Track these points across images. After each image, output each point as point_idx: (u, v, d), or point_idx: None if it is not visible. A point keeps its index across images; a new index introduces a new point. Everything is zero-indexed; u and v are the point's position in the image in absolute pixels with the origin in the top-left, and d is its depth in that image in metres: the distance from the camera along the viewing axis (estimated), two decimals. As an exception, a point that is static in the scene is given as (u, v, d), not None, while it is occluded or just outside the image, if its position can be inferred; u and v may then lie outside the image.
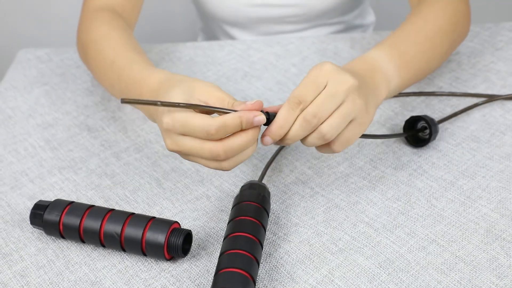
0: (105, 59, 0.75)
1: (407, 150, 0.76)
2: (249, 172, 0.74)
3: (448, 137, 0.77)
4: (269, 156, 0.77)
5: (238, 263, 0.57)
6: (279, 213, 0.68)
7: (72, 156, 0.79)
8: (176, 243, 0.61)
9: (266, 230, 0.66)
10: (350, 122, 0.61)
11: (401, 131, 0.78)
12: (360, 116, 0.61)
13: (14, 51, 2.02)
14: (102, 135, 0.82)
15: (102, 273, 0.63)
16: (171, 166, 0.76)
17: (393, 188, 0.71)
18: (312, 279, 0.61)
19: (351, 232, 0.66)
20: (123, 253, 0.65)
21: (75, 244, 0.67)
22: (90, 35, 0.80)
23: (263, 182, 0.72)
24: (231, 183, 0.73)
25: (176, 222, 0.63)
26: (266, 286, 0.60)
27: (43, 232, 0.68)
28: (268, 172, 0.74)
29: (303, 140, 0.61)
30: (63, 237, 0.66)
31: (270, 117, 0.59)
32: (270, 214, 0.68)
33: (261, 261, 0.63)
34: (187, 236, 0.64)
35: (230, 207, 0.70)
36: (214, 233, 0.67)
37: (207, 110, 0.58)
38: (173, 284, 0.61)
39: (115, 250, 0.66)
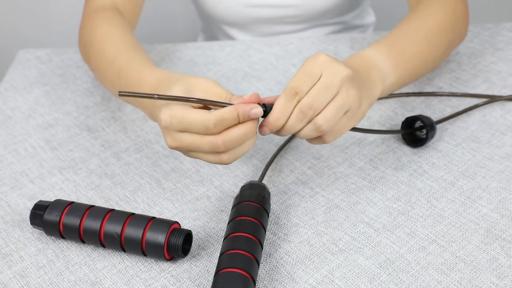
0: (105, 58, 0.75)
1: (407, 150, 0.76)
2: (249, 172, 0.74)
3: (448, 137, 0.77)
4: (269, 157, 0.77)
5: (238, 263, 0.57)
6: (279, 213, 0.68)
7: (72, 156, 0.79)
8: (176, 243, 0.61)
9: (266, 230, 0.66)
10: (344, 113, 0.61)
11: (396, 129, 0.78)
12: (354, 107, 0.61)
13: (14, 51, 2.02)
14: (102, 135, 0.82)
15: (102, 273, 0.63)
16: (171, 166, 0.76)
17: (393, 189, 0.71)
18: (312, 279, 0.61)
19: (351, 232, 0.66)
20: (123, 253, 0.65)
21: (75, 244, 0.67)
22: (91, 35, 0.80)
23: (263, 182, 0.72)
24: (231, 183, 0.73)
25: (176, 222, 0.63)
26: (266, 286, 0.60)
27: (43, 232, 0.68)
28: (268, 173, 0.74)
29: (298, 132, 0.61)
30: (63, 237, 0.66)
31: (267, 109, 0.60)
32: (270, 214, 0.68)
33: (261, 261, 0.63)
34: (187, 236, 0.64)
35: (230, 207, 0.70)
36: (214, 233, 0.67)
37: (204, 104, 0.58)
38: (173, 284, 0.61)
39: (115, 250, 0.66)
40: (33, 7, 1.93)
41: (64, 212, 0.65)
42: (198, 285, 0.61)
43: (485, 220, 0.66)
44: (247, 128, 0.58)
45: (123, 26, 0.80)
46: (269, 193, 0.66)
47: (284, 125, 0.60)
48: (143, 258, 0.65)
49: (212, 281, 0.60)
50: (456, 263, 0.61)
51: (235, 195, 0.70)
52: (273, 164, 0.75)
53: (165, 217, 0.69)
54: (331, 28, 1.12)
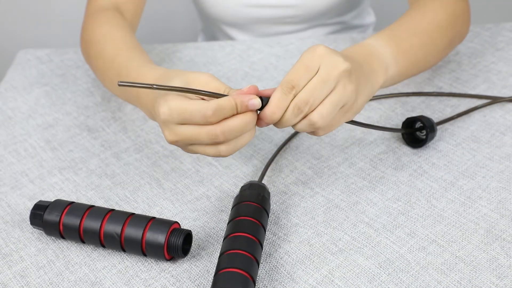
0: (105, 58, 0.76)
1: (407, 150, 0.76)
2: (249, 172, 0.74)
3: (448, 138, 0.77)
4: (269, 157, 0.77)
5: (238, 263, 0.57)
6: (279, 213, 0.68)
7: (72, 157, 0.79)
8: (176, 243, 0.61)
9: (266, 230, 0.66)
10: (340, 108, 0.61)
11: (397, 128, 0.78)
12: (350, 102, 0.61)
13: (14, 51, 2.02)
14: (102, 135, 0.82)
15: (102, 274, 0.63)
16: (171, 167, 0.76)
17: (393, 189, 0.71)
18: (312, 279, 0.61)
19: (351, 232, 0.66)
20: (123, 253, 0.65)
21: (75, 245, 0.67)
22: (92, 35, 0.81)
23: (263, 182, 0.72)
24: (231, 183, 0.73)
25: (176, 222, 0.63)
26: (266, 286, 0.60)
27: (43, 232, 0.68)
28: (268, 173, 0.74)
29: (293, 125, 0.61)
30: (63, 238, 0.66)
31: (263, 101, 0.59)
32: (270, 214, 0.68)
33: (261, 261, 0.63)
34: (187, 236, 0.64)
35: (230, 207, 0.70)
36: (214, 233, 0.67)
37: (202, 94, 0.58)
38: (173, 284, 0.61)
39: (115, 251, 0.66)
40: (33, 8, 1.93)
41: (64, 212, 0.65)
42: (198, 285, 0.61)
43: (485, 220, 0.66)
44: (245, 118, 0.58)
45: (123, 27, 0.80)
46: (269, 193, 0.66)
47: (280, 118, 0.59)
48: (143, 258, 0.65)
49: (212, 281, 0.60)
50: (456, 263, 0.61)
51: (235, 195, 0.70)
52: (273, 164, 0.75)
53: (165, 217, 0.69)
54: (331, 28, 1.12)
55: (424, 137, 0.74)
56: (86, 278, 0.63)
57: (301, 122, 0.60)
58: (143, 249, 0.62)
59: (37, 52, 1.02)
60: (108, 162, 0.78)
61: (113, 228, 0.63)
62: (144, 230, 0.62)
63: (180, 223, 0.68)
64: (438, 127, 0.79)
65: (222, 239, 0.66)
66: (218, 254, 0.63)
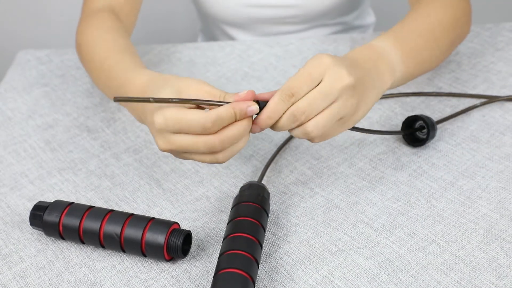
0: (96, 60, 0.76)
1: (407, 150, 0.76)
2: (249, 173, 0.74)
3: (448, 138, 0.77)
4: (269, 157, 0.77)
5: (238, 264, 0.57)
6: (278, 214, 0.68)
7: (71, 157, 0.79)
8: (175, 244, 0.61)
9: (266, 231, 0.66)
10: (337, 120, 0.60)
11: (396, 130, 0.78)
12: (349, 115, 0.61)
13: (13, 52, 2.02)
14: (102, 136, 0.82)
15: (102, 274, 0.63)
16: (170, 167, 0.76)
17: (393, 189, 0.71)
18: (312, 279, 0.61)
19: (351, 233, 0.66)
20: (122, 254, 0.65)
21: (75, 245, 0.67)
22: (84, 37, 0.81)
23: (262, 182, 0.72)
24: (230, 184, 0.73)
25: (176, 222, 0.63)
26: (266, 286, 0.60)
27: (42, 233, 0.68)
28: (268, 173, 0.74)
29: (290, 131, 0.61)
30: (62, 238, 0.66)
31: (260, 106, 0.59)
32: (269, 215, 0.68)
33: (261, 261, 0.63)
34: (187, 236, 0.64)
35: (230, 207, 0.70)
36: (213, 234, 0.67)
37: (201, 104, 0.57)
38: (173, 285, 0.61)
39: (114, 251, 0.66)
40: (33, 8, 1.93)
41: (64, 213, 0.65)
42: (198, 285, 0.61)
43: (485, 220, 0.66)
44: (243, 125, 0.57)
45: (116, 29, 0.80)
46: (268, 194, 0.66)
47: (275, 123, 0.59)
48: (142, 258, 0.65)
49: (211, 281, 0.60)
50: (456, 263, 0.61)
51: (234, 196, 0.70)
52: (272, 164, 0.75)
53: (164, 218, 0.69)
54: (332, 29, 1.12)
55: (424, 136, 0.74)
56: (86, 279, 0.63)
57: (296, 129, 0.60)
58: (143, 249, 0.62)
59: (37, 53, 1.02)
60: (107, 163, 0.78)
61: (112, 228, 0.63)
62: (143, 231, 0.62)
63: (179, 224, 0.68)
64: (437, 126, 0.79)
65: (222, 239, 0.66)
66: (218, 255, 0.63)
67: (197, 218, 0.69)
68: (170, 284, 0.62)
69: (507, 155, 0.74)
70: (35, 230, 0.69)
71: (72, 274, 0.63)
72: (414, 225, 0.66)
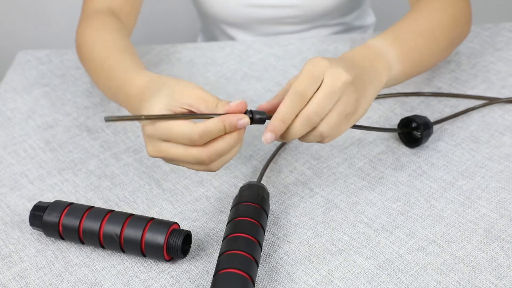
0: (96, 61, 0.76)
1: (407, 150, 0.76)
2: (249, 173, 0.74)
3: (448, 138, 0.77)
4: (269, 157, 0.76)
5: (237, 264, 0.57)
6: (278, 214, 0.68)
7: (71, 157, 0.79)
8: (175, 244, 0.61)
9: (266, 231, 0.66)
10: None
11: (393, 128, 0.78)
12: (353, 110, 0.61)
13: (13, 52, 2.02)
14: (102, 136, 0.82)
15: (102, 274, 0.63)
16: (170, 167, 0.76)
17: (393, 189, 0.71)
18: (312, 279, 0.61)
19: (351, 233, 0.66)
20: (122, 254, 0.65)
21: (75, 245, 0.67)
22: (84, 37, 0.81)
23: (262, 182, 0.72)
24: (230, 184, 0.73)
25: (176, 223, 0.63)
26: (266, 286, 0.60)
27: (42, 233, 0.68)
28: (268, 173, 0.74)
29: (301, 137, 0.61)
30: (62, 238, 0.66)
31: (254, 115, 0.59)
32: (269, 215, 0.68)
33: (261, 261, 0.63)
34: (187, 237, 0.64)
35: (230, 208, 0.70)
36: (213, 234, 0.67)
37: (191, 118, 0.57)
38: (173, 285, 0.61)
39: (114, 251, 0.66)
40: (33, 8, 1.93)
41: (64, 213, 0.65)
42: (198, 285, 0.61)
43: (484, 220, 0.66)
44: (233, 138, 0.58)
45: (116, 29, 0.80)
46: (268, 194, 0.66)
47: (288, 130, 0.59)
48: (142, 259, 0.65)
49: (211, 281, 0.60)
50: (455, 263, 0.62)
51: (234, 196, 0.70)
52: (272, 164, 0.75)
53: (164, 218, 0.69)
54: (332, 29, 1.12)
55: (419, 136, 0.75)
56: (85, 279, 0.63)
57: (309, 134, 0.60)
58: (143, 249, 0.62)
59: (36, 53, 1.02)
60: (107, 163, 0.78)
61: (112, 229, 0.63)
62: (143, 231, 0.62)
63: (179, 224, 0.68)
64: (437, 126, 0.79)
65: (221, 239, 0.66)
66: (217, 255, 0.63)
67: (197, 218, 0.69)
68: (170, 284, 0.62)
69: (507, 155, 0.74)
70: (34, 230, 0.69)
71: (71, 274, 0.63)
72: (413, 225, 0.66)
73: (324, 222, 0.67)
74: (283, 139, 0.60)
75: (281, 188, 0.72)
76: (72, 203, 0.66)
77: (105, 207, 0.70)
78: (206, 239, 0.66)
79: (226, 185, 0.73)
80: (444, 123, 0.80)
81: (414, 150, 0.76)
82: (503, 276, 0.60)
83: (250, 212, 0.62)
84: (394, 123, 0.80)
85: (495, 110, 0.81)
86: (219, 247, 0.65)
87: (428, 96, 0.84)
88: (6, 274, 0.64)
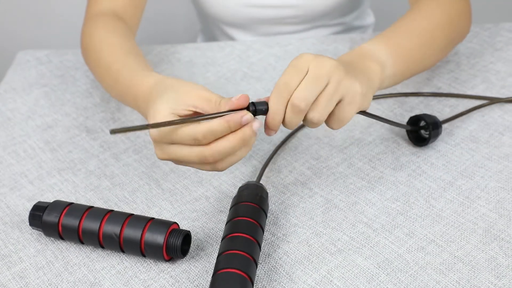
0: (102, 64, 0.76)
1: (406, 150, 0.76)
2: (248, 173, 0.74)
3: (447, 138, 0.77)
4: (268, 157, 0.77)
5: (236, 264, 0.57)
6: (278, 214, 0.68)
7: (71, 158, 0.79)
8: (175, 244, 0.61)
9: (265, 231, 0.66)
10: (340, 102, 0.61)
11: (403, 123, 0.78)
12: (350, 95, 0.61)
13: (13, 52, 2.02)
14: (101, 136, 0.82)
15: (101, 274, 0.63)
16: (170, 167, 0.76)
17: (392, 189, 0.71)
18: (311, 279, 0.61)
19: (350, 233, 0.66)
20: (122, 254, 0.65)
21: (74, 245, 0.67)
22: (90, 40, 0.81)
23: (261, 182, 0.72)
24: (230, 184, 0.73)
25: (175, 223, 0.63)
26: (265, 286, 0.61)
27: (42, 233, 0.68)
28: (267, 173, 0.74)
29: (304, 124, 0.63)
30: (62, 238, 0.66)
31: (256, 107, 0.59)
32: (269, 215, 0.68)
33: (260, 261, 0.63)
34: (186, 236, 0.64)
35: (229, 208, 0.70)
36: (213, 234, 0.67)
37: (196, 121, 0.58)
38: (172, 285, 0.62)
39: (114, 251, 0.66)
40: (33, 9, 1.93)
41: (63, 213, 0.65)
42: (197, 285, 0.61)
43: (484, 220, 0.66)
44: (234, 139, 0.58)
45: (121, 31, 0.80)
46: (267, 193, 0.66)
47: (284, 121, 0.60)
48: (142, 259, 0.65)
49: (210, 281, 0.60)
50: (455, 263, 0.62)
51: (233, 196, 0.71)
52: (272, 164, 0.75)
53: (164, 218, 0.69)
54: (332, 29, 1.12)
55: (427, 135, 0.74)
56: (85, 279, 0.63)
57: (305, 121, 0.62)
58: (142, 249, 0.62)
59: (36, 53, 1.02)
60: (107, 163, 0.78)
61: (112, 228, 0.63)
62: (143, 231, 0.62)
63: (179, 224, 0.68)
64: (442, 127, 0.79)
65: (220, 239, 0.66)
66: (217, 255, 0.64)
67: (196, 218, 0.69)
68: (170, 284, 0.62)
69: (506, 155, 0.74)
70: (34, 230, 0.69)
71: (71, 274, 0.63)
72: (413, 225, 0.66)
73: (323, 222, 0.67)
74: (286, 127, 0.62)
75: (280, 188, 0.72)
76: (71, 203, 0.66)
77: (104, 207, 0.70)
78: (206, 239, 0.66)
79: (225, 185, 0.73)
80: (444, 123, 0.80)
81: (414, 150, 0.76)
82: (502, 276, 0.60)
83: (249, 212, 0.62)
84: (393, 123, 0.80)
85: (495, 110, 0.81)
86: (219, 247, 0.65)
87: (427, 96, 0.84)
88: (6, 274, 0.64)
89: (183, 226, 0.68)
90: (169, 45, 1.01)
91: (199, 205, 0.71)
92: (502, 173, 0.71)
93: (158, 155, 0.61)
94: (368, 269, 0.62)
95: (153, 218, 0.63)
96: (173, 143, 0.59)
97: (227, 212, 0.69)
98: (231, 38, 1.13)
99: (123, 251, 0.64)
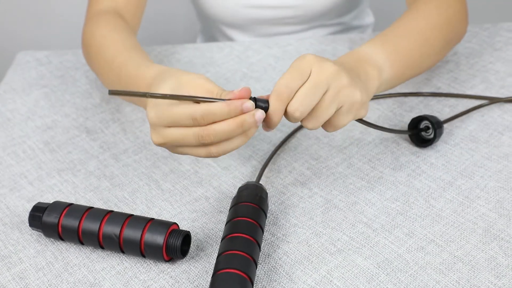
0: (105, 59, 0.76)
1: (406, 150, 0.76)
2: (248, 173, 0.74)
3: (447, 137, 0.77)
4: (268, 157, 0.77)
5: (236, 264, 0.57)
6: (277, 214, 0.68)
7: (71, 158, 0.79)
8: (174, 244, 0.61)
9: (264, 231, 0.66)
10: (338, 110, 0.62)
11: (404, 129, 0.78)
12: (349, 104, 0.62)
13: (13, 53, 2.02)
14: (101, 137, 0.82)
15: (101, 275, 0.63)
16: (170, 168, 0.76)
17: (392, 189, 0.71)
18: (311, 279, 0.61)
19: (350, 233, 0.66)
20: (122, 254, 0.65)
21: (74, 246, 0.67)
22: (92, 37, 0.81)
23: (260, 183, 0.72)
24: (229, 184, 0.73)
25: (175, 223, 0.63)
26: (265, 286, 0.61)
27: (42, 234, 0.68)
28: (267, 173, 0.74)
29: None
30: (62, 239, 0.66)
31: (257, 102, 0.59)
32: (268, 215, 0.68)
33: (260, 262, 0.63)
34: (186, 237, 0.64)
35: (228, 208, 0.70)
36: (212, 234, 0.67)
37: (196, 100, 0.58)
38: (172, 285, 0.62)
39: (114, 252, 0.66)
40: (33, 9, 1.93)
41: (63, 214, 0.65)
42: (197, 286, 0.61)
43: (483, 220, 0.66)
44: (233, 123, 0.58)
45: (122, 29, 0.81)
46: (266, 194, 0.66)
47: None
48: (141, 259, 0.65)
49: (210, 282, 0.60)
50: (455, 263, 0.62)
51: (233, 196, 0.71)
52: (271, 165, 0.75)
53: (163, 218, 0.69)
54: (331, 29, 1.12)
55: (430, 136, 0.75)
56: (85, 280, 0.63)
57: (301, 123, 0.62)
58: (142, 250, 0.62)
59: (36, 54, 1.02)
60: (107, 164, 0.78)
61: (111, 229, 0.63)
62: (142, 231, 0.62)
63: (178, 224, 0.68)
64: (444, 126, 0.79)
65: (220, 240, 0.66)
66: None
67: (196, 218, 0.69)
68: (169, 285, 0.62)
69: (506, 154, 0.74)
70: (34, 231, 0.69)
71: (71, 275, 0.63)
72: (412, 225, 0.66)
73: (323, 222, 0.67)
74: (288, 119, 0.62)
75: (280, 188, 0.72)
76: (71, 204, 0.66)
77: (104, 208, 0.70)
78: (206, 240, 0.66)
79: (225, 185, 0.73)
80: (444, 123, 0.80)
81: (413, 150, 0.76)
82: (502, 276, 0.60)
83: (249, 212, 0.62)
84: (393, 123, 0.80)
85: (494, 110, 0.81)
86: (218, 247, 0.65)
87: (427, 96, 0.84)
88: (6, 275, 0.64)
89: (183, 226, 0.68)
90: (169, 46, 1.01)
91: (198, 205, 0.71)
92: (502, 173, 0.71)
93: (154, 139, 0.60)
94: (368, 269, 0.62)
95: (152, 219, 0.63)
96: (170, 125, 0.59)
97: (227, 212, 0.69)
98: (230, 39, 1.13)
99: (123, 252, 0.64)
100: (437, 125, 0.73)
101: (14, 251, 0.67)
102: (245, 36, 1.11)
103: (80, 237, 0.64)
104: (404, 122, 0.80)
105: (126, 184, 0.74)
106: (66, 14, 1.94)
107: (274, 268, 0.62)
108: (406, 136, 0.78)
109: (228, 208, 0.70)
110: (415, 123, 0.75)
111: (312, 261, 0.63)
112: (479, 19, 1.99)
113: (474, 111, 0.81)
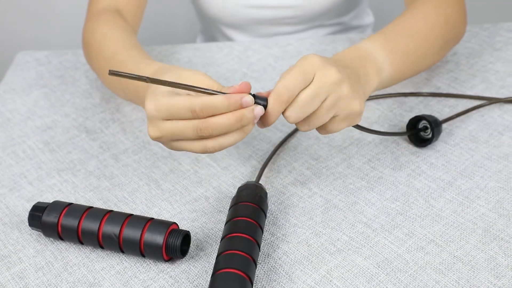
0: (105, 58, 0.76)
1: (405, 150, 0.76)
2: (248, 173, 0.74)
3: (447, 137, 0.77)
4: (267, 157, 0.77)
5: (235, 264, 0.57)
6: (277, 214, 0.68)
7: (70, 158, 0.79)
8: (174, 244, 0.61)
9: (264, 231, 0.66)
10: (334, 117, 0.62)
11: (401, 131, 0.78)
12: (346, 113, 0.62)
13: (13, 53, 2.02)
14: (101, 137, 0.82)
15: (101, 275, 0.63)
16: (169, 168, 0.76)
17: (391, 189, 0.71)
18: (311, 279, 0.61)
19: (349, 233, 0.66)
20: (121, 254, 0.65)
21: (74, 246, 0.67)
22: (92, 36, 0.81)
23: (260, 182, 0.72)
24: (229, 184, 0.73)
25: (175, 223, 0.63)
26: (265, 286, 0.60)
27: (41, 233, 0.68)
28: (267, 173, 0.74)
29: None
30: (61, 239, 0.66)
31: (255, 99, 0.59)
32: (268, 215, 0.68)
33: (260, 261, 0.63)
34: (186, 237, 0.64)
35: (228, 208, 0.70)
36: (212, 234, 0.67)
37: (195, 90, 0.58)
38: (172, 285, 0.62)
39: (113, 252, 0.66)
40: (33, 9, 1.93)
41: (63, 214, 0.65)
42: (197, 285, 0.61)
43: (483, 220, 0.66)
44: (232, 117, 0.58)
45: (123, 27, 0.81)
46: (266, 193, 0.66)
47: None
48: (141, 259, 0.65)
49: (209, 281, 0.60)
50: (454, 263, 0.62)
51: (233, 196, 0.71)
52: (271, 164, 0.75)
53: (163, 218, 0.69)
54: (330, 29, 1.12)
55: (429, 136, 0.75)
56: (84, 279, 0.63)
57: (296, 124, 0.63)
58: (142, 250, 0.62)
59: (36, 54, 1.02)
60: (106, 164, 0.78)
61: (111, 229, 0.63)
62: (142, 231, 0.62)
63: (178, 224, 0.68)
64: (442, 126, 0.79)
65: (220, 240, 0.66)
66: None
67: (196, 218, 0.69)
68: (169, 285, 0.62)
69: (506, 154, 0.74)
70: (34, 230, 0.69)
71: (71, 275, 0.63)
72: (412, 225, 0.66)
73: (323, 222, 0.67)
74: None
75: (280, 188, 0.72)
76: (71, 204, 0.66)
77: (104, 208, 0.70)
78: (205, 239, 0.66)
79: (225, 185, 0.73)
80: (444, 123, 0.80)
81: (413, 150, 0.76)
82: (502, 276, 0.60)
83: (248, 212, 0.62)
84: (393, 123, 0.80)
85: (494, 110, 0.81)
86: (218, 247, 0.65)
87: (426, 96, 0.84)
88: (5, 274, 0.64)
89: (183, 226, 0.68)
90: (169, 46, 1.01)
91: (198, 205, 0.71)
92: (502, 173, 0.71)
93: (151, 132, 0.60)
94: (368, 269, 0.62)
95: (152, 218, 0.63)
96: (169, 118, 0.59)
97: (226, 212, 0.69)
98: (230, 39, 1.13)
99: (122, 252, 0.64)
100: (434, 124, 0.73)
101: (14, 250, 0.67)
102: (245, 36, 1.11)
103: (79, 237, 0.64)
104: (404, 122, 0.80)
105: (125, 184, 0.74)
106: (66, 14, 1.94)
107: (273, 268, 0.62)
108: (406, 136, 0.78)
109: (228, 208, 0.70)
110: (413, 123, 0.75)
111: (311, 261, 0.63)
112: (479, 19, 1.99)
113: (474, 111, 0.81)
